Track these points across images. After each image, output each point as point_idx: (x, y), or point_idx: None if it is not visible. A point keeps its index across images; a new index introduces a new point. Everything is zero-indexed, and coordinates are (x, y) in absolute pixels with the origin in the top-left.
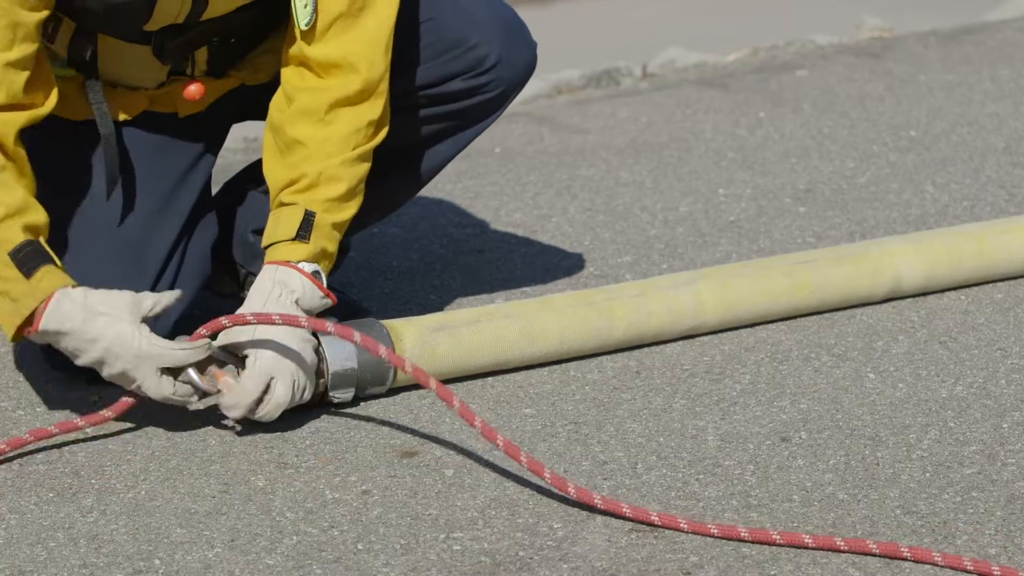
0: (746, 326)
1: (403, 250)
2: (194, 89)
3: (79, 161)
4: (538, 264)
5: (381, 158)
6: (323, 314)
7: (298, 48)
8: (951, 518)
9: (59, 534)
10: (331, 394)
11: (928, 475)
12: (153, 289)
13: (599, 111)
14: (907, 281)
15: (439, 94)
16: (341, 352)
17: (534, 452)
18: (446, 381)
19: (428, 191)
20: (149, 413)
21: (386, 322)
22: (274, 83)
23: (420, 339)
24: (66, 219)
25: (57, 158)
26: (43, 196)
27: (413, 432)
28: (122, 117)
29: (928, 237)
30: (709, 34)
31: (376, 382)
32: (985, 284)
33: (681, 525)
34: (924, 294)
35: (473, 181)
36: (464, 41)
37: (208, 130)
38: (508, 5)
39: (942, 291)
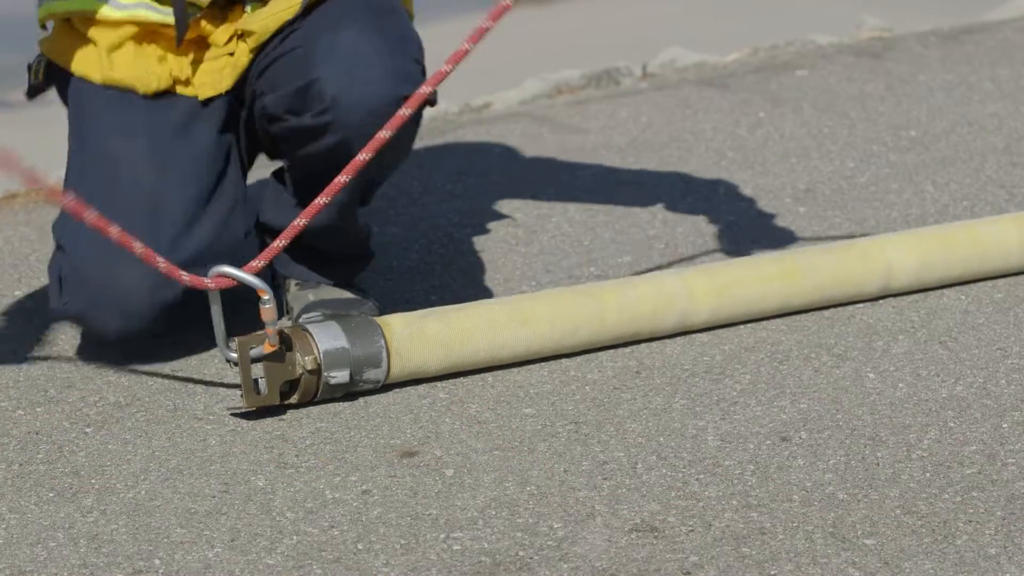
0: (744, 322)
1: (403, 250)
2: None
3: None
4: (538, 264)
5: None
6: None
7: None
8: (951, 518)
9: (59, 534)
10: (327, 374)
11: (928, 475)
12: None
13: (599, 111)
14: (898, 267)
15: (296, 128)
16: (330, 333)
17: (534, 452)
18: (442, 377)
19: (429, 191)
20: (149, 413)
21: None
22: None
23: (408, 322)
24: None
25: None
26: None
27: (413, 432)
28: (141, 90)
29: (919, 230)
30: (709, 34)
31: (370, 363)
32: (983, 282)
33: None
34: (923, 290)
35: (473, 181)
36: (309, 74)
37: (229, 115)
38: (392, 33)
39: (941, 287)
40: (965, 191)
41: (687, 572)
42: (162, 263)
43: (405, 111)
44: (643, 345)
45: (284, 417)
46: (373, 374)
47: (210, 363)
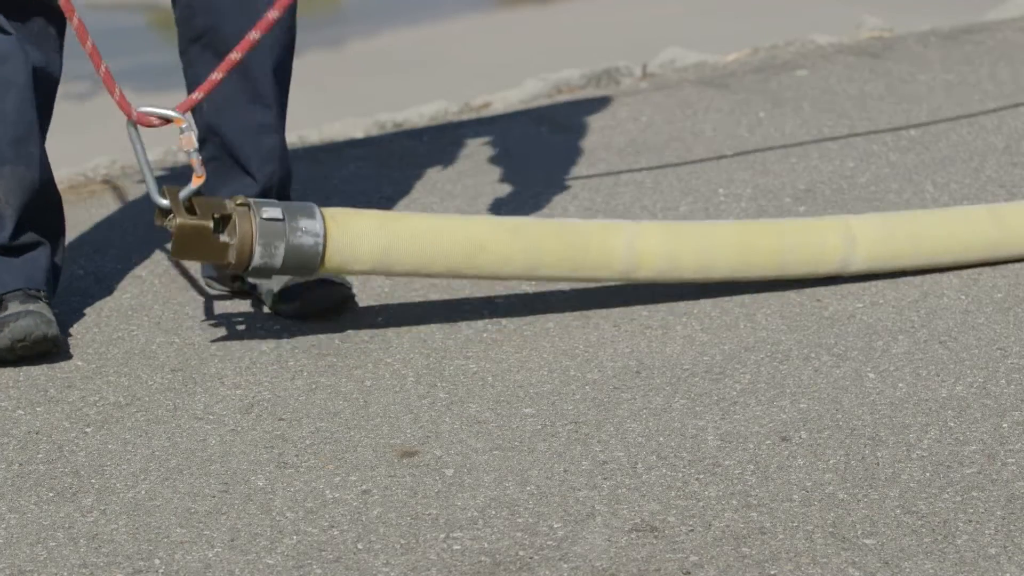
0: (703, 281)
1: None
2: None
3: None
4: None
5: None
6: None
7: None
8: (951, 518)
9: (59, 534)
10: (259, 209)
11: (928, 475)
12: None
13: (599, 111)
14: (856, 223)
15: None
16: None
17: (534, 452)
18: (442, 377)
19: (428, 190)
20: (149, 413)
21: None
22: None
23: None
24: None
25: None
26: None
27: (413, 432)
28: None
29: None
30: (709, 34)
31: (303, 212)
32: (984, 281)
33: None
34: (913, 271)
35: (473, 181)
36: None
37: None
38: None
39: (932, 269)
40: (965, 191)
41: (687, 572)
42: (117, 93)
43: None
44: (643, 345)
45: (284, 417)
46: (308, 224)
47: (210, 363)
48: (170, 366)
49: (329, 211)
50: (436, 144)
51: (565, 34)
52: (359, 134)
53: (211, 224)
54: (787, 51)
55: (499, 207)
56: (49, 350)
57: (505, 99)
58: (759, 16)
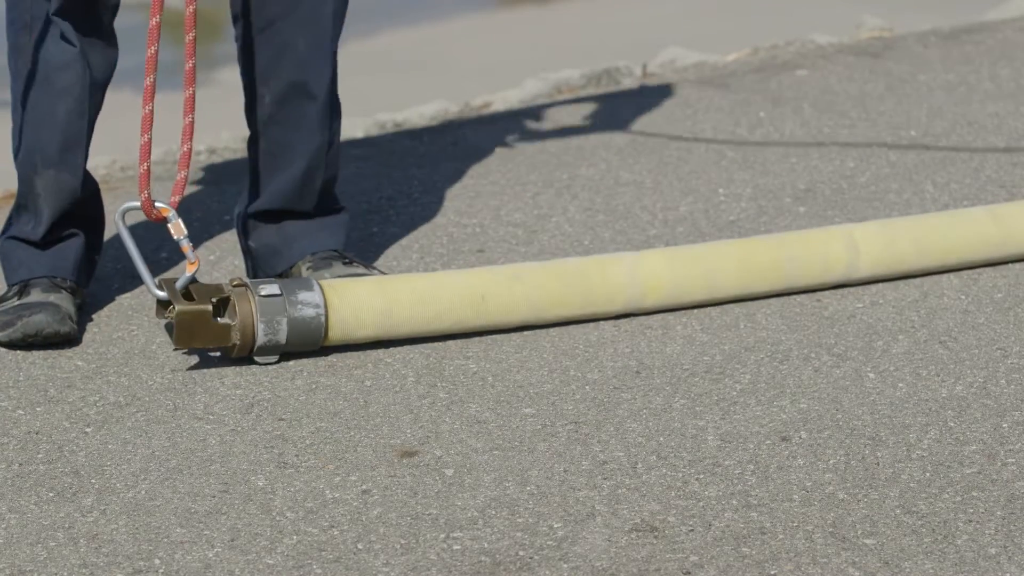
0: (712, 303)
1: (403, 250)
2: None
3: None
4: None
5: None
6: None
7: None
8: (951, 518)
9: (59, 534)
10: (256, 287)
11: (928, 475)
12: None
13: (599, 111)
14: (860, 233)
15: None
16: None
17: (534, 452)
18: (442, 377)
19: (428, 190)
20: (149, 413)
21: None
22: None
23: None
24: None
25: None
26: None
27: (413, 432)
28: None
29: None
30: (709, 34)
31: (301, 286)
32: (984, 281)
33: None
34: (916, 275)
35: (473, 181)
36: None
37: None
38: None
39: (936, 272)
40: (965, 191)
41: (687, 572)
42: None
43: None
44: (643, 345)
45: (284, 417)
46: (308, 296)
47: (210, 363)
48: (170, 366)
49: (327, 282)
50: (436, 144)
51: (565, 34)
52: (359, 134)
53: (210, 308)
54: (787, 51)
55: (499, 207)
56: (61, 343)
57: (505, 99)
58: (759, 16)
